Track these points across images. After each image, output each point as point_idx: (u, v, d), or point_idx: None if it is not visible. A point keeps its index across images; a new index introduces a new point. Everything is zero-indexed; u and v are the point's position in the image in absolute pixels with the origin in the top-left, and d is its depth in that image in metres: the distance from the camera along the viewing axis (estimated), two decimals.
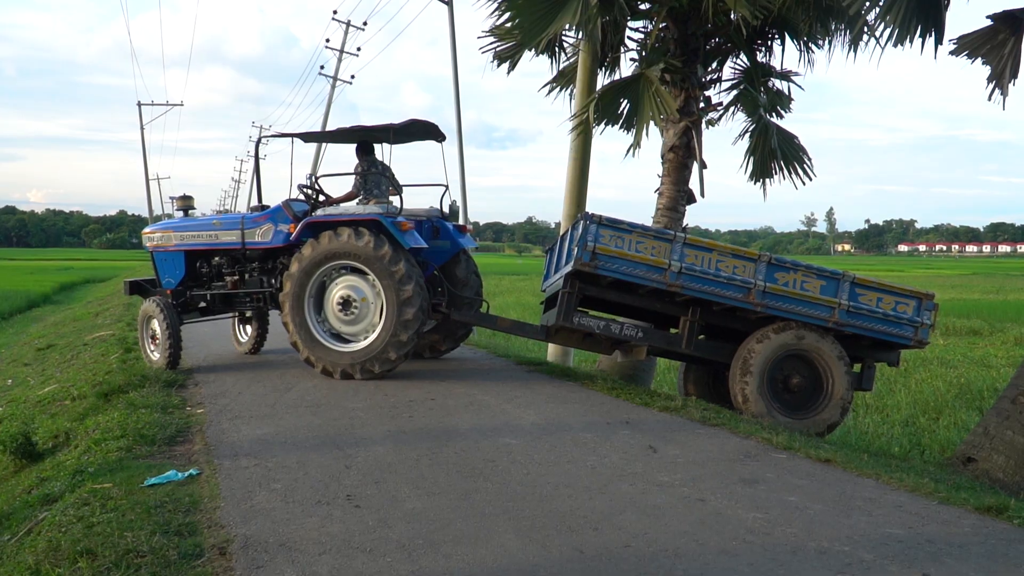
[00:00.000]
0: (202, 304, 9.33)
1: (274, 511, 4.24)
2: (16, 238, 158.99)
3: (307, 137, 9.44)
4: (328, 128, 9.40)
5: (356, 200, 8.85)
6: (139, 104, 51.89)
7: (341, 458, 5.28)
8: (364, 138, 9.19)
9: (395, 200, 8.82)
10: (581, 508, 4.36)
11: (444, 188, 9.21)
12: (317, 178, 8.96)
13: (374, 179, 8.98)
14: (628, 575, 3.50)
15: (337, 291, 8.25)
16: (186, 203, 9.83)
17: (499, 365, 9.50)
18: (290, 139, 9.40)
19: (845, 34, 10.53)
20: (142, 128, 51.69)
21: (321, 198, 8.86)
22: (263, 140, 9.19)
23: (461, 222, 11.49)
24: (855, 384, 7.75)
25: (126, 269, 50.10)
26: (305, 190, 8.89)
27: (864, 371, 7.98)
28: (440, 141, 9.35)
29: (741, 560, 3.66)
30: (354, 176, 9.01)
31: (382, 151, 9.34)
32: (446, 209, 9.22)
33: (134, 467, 5.10)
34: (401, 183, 9.44)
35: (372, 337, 8.06)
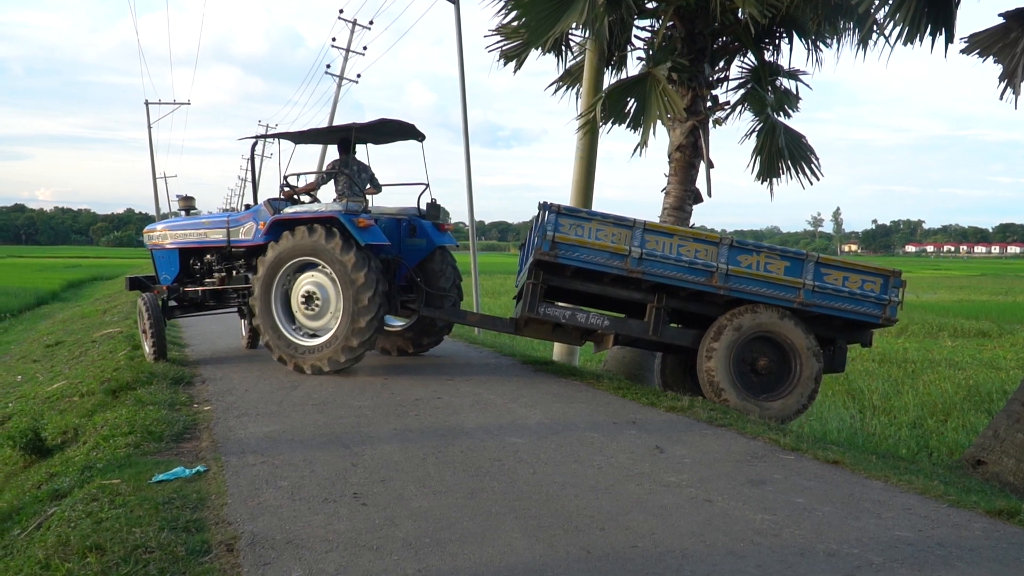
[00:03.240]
0: (197, 300, 9.62)
1: (281, 508, 4.25)
2: (25, 236, 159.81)
3: (292, 137, 9.55)
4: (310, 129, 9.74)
5: (333, 198, 9.03)
6: (147, 103, 51.71)
7: (347, 456, 5.28)
8: (331, 139, 9.40)
9: (373, 199, 9.09)
10: (588, 508, 4.35)
11: (424, 186, 9.32)
12: (286, 177, 9.17)
13: (346, 178, 9.11)
14: (635, 575, 3.49)
15: (301, 288, 8.40)
16: (187, 203, 10.16)
17: (505, 364, 9.49)
18: (282, 139, 9.58)
19: (854, 33, 10.50)
20: (149, 127, 51.52)
21: (303, 197, 9.10)
22: (253, 140, 9.41)
23: (464, 220, 11.57)
24: (827, 360, 7.84)
25: (133, 267, 50.26)
26: (284, 188, 9.13)
27: (836, 352, 8.00)
28: (420, 140, 9.41)
29: (749, 561, 3.65)
30: (321, 174, 9.27)
31: (367, 151, 9.54)
32: (423, 207, 9.30)
33: (142, 464, 5.11)
34: (383, 182, 9.60)
35: (334, 329, 8.17)
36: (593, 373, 9.37)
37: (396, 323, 9.67)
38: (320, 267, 8.25)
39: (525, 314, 7.91)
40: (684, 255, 7.53)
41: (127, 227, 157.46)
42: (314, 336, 8.38)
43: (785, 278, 7.56)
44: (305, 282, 8.38)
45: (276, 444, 5.58)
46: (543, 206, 7.58)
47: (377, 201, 9.62)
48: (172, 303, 9.56)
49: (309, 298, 8.32)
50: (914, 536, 4.03)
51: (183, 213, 10.17)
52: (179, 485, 4.64)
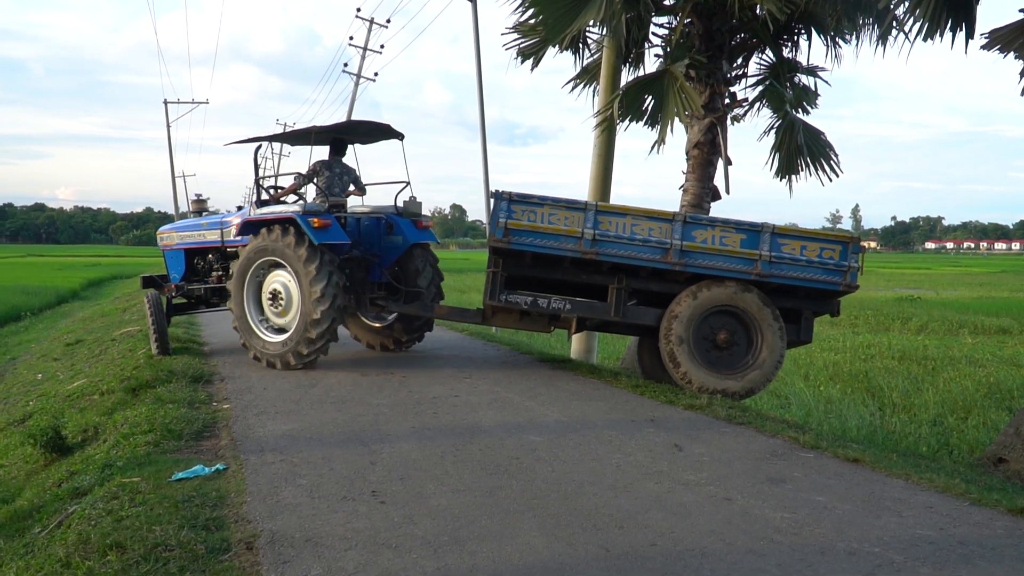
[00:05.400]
0: (201, 297, 10.20)
1: (300, 506, 4.26)
2: (45, 235, 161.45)
3: (269, 140, 9.77)
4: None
5: (312, 197, 9.39)
6: (165, 102, 52.27)
7: (366, 454, 5.29)
8: (302, 141, 9.69)
9: (363, 199, 9.61)
10: (606, 506, 4.34)
11: (404, 184, 9.52)
12: (258, 180, 9.44)
13: (325, 179, 9.39)
14: (654, 574, 3.48)
15: (269, 286, 8.76)
16: (200, 205, 10.76)
17: (522, 362, 9.49)
18: (260, 142, 9.78)
19: (873, 29, 10.40)
20: (168, 126, 52.11)
21: (289, 195, 9.41)
22: (257, 144, 9.75)
23: (482, 218, 11.71)
24: (793, 332, 7.88)
25: (152, 265, 50.64)
26: (269, 190, 9.51)
27: (802, 323, 7.99)
28: (400, 139, 9.61)
29: (769, 560, 3.63)
30: (300, 175, 9.56)
31: (355, 152, 9.90)
32: (400, 205, 9.45)
33: (162, 461, 5.14)
34: (365, 181, 9.90)
35: (294, 326, 8.45)
36: (611, 371, 9.35)
37: (390, 318, 9.94)
38: (283, 266, 8.54)
39: (487, 302, 8.04)
40: (638, 234, 7.60)
41: (146, 226, 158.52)
42: (283, 332, 8.68)
43: (741, 250, 7.59)
44: (273, 281, 8.73)
45: (295, 442, 5.61)
46: (495, 195, 7.71)
47: (371, 200, 9.92)
48: (182, 300, 10.26)
49: (275, 296, 8.68)
50: (935, 534, 4.00)
51: (197, 215, 10.59)
52: (199, 483, 4.67)
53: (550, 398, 7.22)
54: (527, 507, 4.30)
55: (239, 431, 5.92)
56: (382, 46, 35.72)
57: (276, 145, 10.19)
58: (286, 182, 9.63)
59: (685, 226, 7.57)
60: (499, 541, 3.81)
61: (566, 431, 6.00)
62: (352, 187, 9.65)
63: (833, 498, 4.55)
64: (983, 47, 7.18)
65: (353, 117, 34.37)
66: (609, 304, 7.91)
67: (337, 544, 3.75)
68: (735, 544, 3.81)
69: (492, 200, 7.76)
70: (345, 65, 36.24)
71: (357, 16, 33.94)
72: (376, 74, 35.72)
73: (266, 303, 8.77)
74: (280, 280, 8.66)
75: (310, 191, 9.70)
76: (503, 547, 3.74)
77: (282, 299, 8.61)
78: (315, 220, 8.28)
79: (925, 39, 7.29)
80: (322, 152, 9.65)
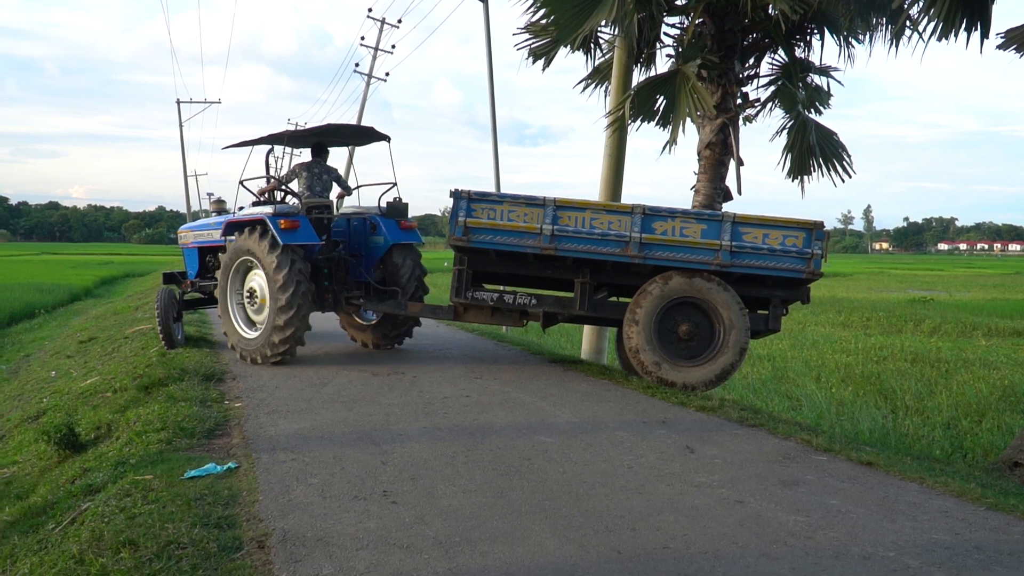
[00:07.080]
0: (212, 292, 10.50)
1: (311, 506, 4.26)
2: (59, 233, 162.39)
3: (257, 143, 9.90)
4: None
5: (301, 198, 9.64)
6: (178, 102, 52.38)
7: (377, 454, 5.29)
8: (279, 142, 9.92)
9: (357, 198, 10.03)
10: (618, 508, 4.32)
11: (391, 185, 9.74)
12: (242, 181, 9.67)
13: (305, 180, 9.62)
14: None
15: (248, 284, 9.05)
16: (219, 206, 11.04)
17: (533, 362, 9.48)
18: (249, 146, 10.00)
19: (886, 28, 10.34)
20: (180, 125, 52.21)
21: (270, 194, 9.65)
22: (268, 147, 9.99)
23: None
24: (761, 322, 7.90)
25: (164, 263, 50.83)
26: (261, 191, 9.71)
27: (771, 312, 7.97)
28: (387, 141, 9.86)
29: (783, 564, 3.60)
30: (276, 178, 9.80)
31: (350, 153, 10.04)
32: (384, 206, 9.61)
33: (174, 459, 5.16)
34: (352, 183, 10.25)
35: (264, 325, 8.68)
36: (622, 371, 9.32)
37: (376, 317, 10.15)
38: (258, 265, 8.74)
39: (454, 299, 8.17)
40: (597, 227, 7.61)
41: (158, 224, 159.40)
42: (258, 329, 8.93)
43: (702, 241, 7.56)
44: (252, 279, 9.01)
45: (306, 441, 5.61)
46: (454, 194, 7.78)
47: (366, 201, 10.18)
48: (197, 295, 10.69)
49: (252, 294, 8.94)
50: (951, 539, 3.97)
51: (216, 215, 10.80)
52: (211, 481, 4.67)
53: (561, 399, 7.20)
54: (538, 508, 4.29)
55: (251, 430, 5.93)
56: (393, 46, 35.84)
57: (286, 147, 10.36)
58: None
59: (644, 218, 7.56)
60: (510, 542, 3.80)
61: (577, 432, 5.98)
62: (337, 187, 9.84)
63: (847, 501, 4.52)
64: (998, 47, 7.12)
65: (364, 116, 34.47)
66: (575, 298, 7.95)
67: (348, 543, 3.74)
68: (748, 547, 3.79)
69: (453, 200, 7.84)
70: (356, 65, 36.29)
71: (368, 16, 34.03)
72: (387, 74, 35.83)
73: (245, 300, 9.04)
74: (257, 280, 8.89)
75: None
76: (514, 548, 3.73)
77: (258, 297, 8.85)
78: (283, 222, 8.41)
79: (939, 39, 7.25)
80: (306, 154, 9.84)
